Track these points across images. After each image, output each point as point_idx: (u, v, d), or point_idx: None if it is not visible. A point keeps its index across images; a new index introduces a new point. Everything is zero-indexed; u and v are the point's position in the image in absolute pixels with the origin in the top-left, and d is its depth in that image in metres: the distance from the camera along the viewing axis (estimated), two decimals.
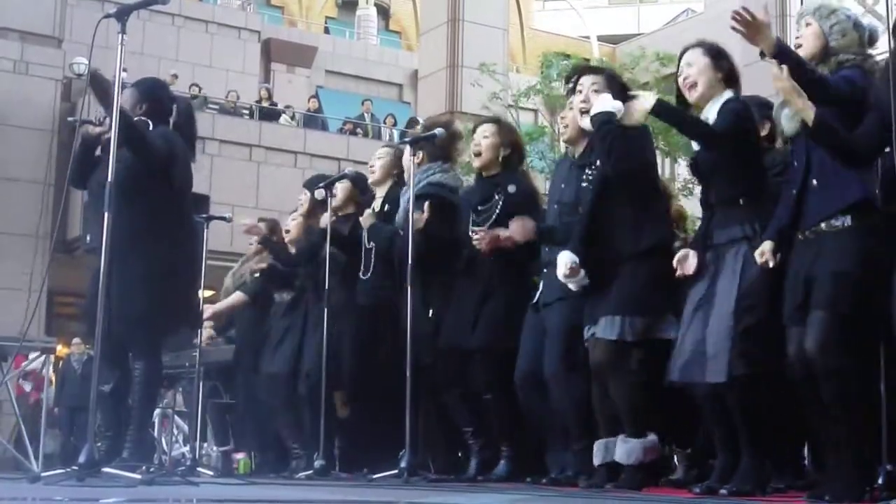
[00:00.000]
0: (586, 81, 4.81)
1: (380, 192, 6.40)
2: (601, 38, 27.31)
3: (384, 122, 22.00)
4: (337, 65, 26.72)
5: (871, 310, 3.71)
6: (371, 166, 6.45)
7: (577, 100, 4.85)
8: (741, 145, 4.24)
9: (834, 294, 3.69)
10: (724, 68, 4.39)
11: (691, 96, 4.40)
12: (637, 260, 4.60)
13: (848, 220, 3.75)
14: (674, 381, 4.27)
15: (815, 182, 3.83)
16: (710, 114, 4.34)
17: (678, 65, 4.48)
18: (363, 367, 6.23)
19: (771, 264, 3.95)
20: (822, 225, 3.80)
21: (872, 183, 3.82)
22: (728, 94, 4.36)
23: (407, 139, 6.18)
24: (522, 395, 5.19)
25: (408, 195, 5.85)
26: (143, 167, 5.35)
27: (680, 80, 4.44)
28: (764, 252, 3.98)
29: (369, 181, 6.51)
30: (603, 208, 4.75)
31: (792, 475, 4.60)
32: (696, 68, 4.38)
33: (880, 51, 3.97)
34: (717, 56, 4.41)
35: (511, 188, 5.51)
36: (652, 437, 4.58)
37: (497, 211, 5.49)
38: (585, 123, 4.77)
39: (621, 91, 4.76)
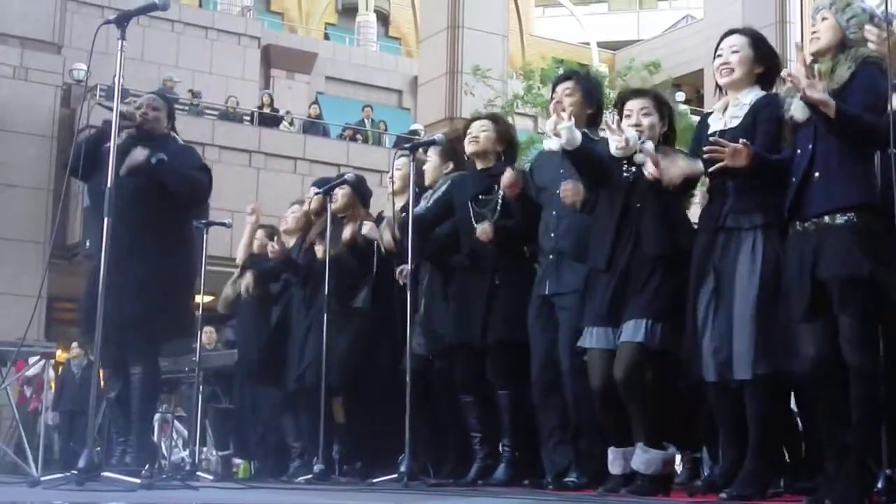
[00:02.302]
0: (635, 106, 4.79)
1: (400, 201, 6.39)
2: (601, 45, 27.34)
3: (378, 127, 22.01)
4: (337, 71, 26.74)
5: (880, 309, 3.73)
6: (391, 176, 6.44)
7: (626, 124, 4.77)
8: (772, 133, 4.21)
9: (858, 295, 3.68)
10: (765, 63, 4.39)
11: (724, 80, 4.40)
12: (664, 264, 4.55)
13: (853, 217, 3.73)
14: (711, 380, 4.21)
15: (816, 174, 3.82)
16: (743, 101, 4.33)
17: (717, 45, 4.46)
18: (362, 369, 6.26)
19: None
20: (826, 218, 3.78)
21: (874, 182, 3.82)
22: (758, 90, 4.34)
23: (406, 146, 6.21)
24: (537, 394, 5.17)
25: (421, 203, 5.97)
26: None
27: (717, 61, 4.42)
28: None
29: (389, 190, 6.50)
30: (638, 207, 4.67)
31: (790, 477, 4.60)
32: (739, 56, 4.37)
33: None
34: (761, 50, 4.40)
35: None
36: (672, 449, 4.54)
37: (500, 200, 5.53)
38: (639, 144, 4.66)
39: (668, 115, 4.81)
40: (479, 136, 5.70)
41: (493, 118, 5.94)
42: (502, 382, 5.43)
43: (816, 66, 3.82)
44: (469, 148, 5.75)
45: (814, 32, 4.01)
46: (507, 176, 5.40)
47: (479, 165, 5.73)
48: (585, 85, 5.30)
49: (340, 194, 6.72)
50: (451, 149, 6.12)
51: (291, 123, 21.08)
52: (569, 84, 5.27)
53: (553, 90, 5.34)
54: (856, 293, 3.69)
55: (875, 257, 3.69)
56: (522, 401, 5.33)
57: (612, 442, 4.68)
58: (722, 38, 4.47)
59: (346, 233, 6.49)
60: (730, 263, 4.20)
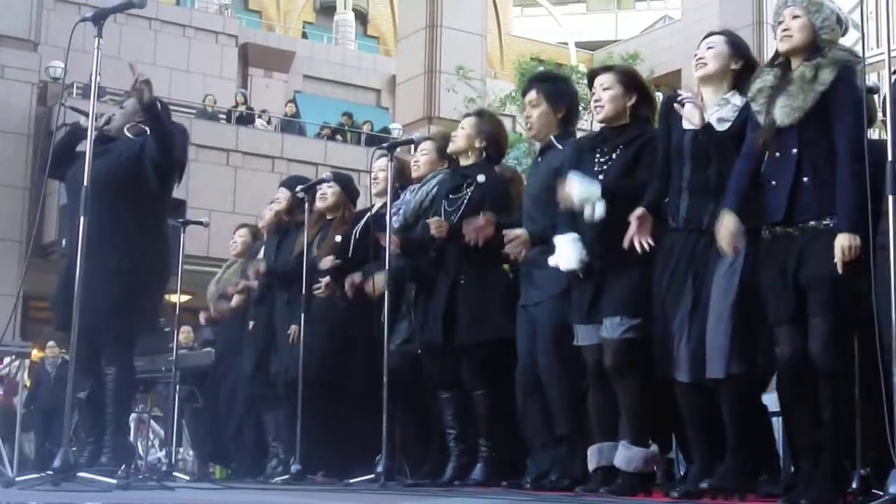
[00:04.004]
0: (597, 82, 4.81)
1: (380, 202, 6.30)
2: (579, 45, 27.39)
3: (361, 128, 21.97)
4: (315, 70, 26.69)
5: (861, 311, 3.76)
6: (374, 178, 6.38)
7: (592, 100, 4.85)
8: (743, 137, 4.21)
9: (834, 298, 3.71)
10: (740, 60, 4.39)
11: (698, 73, 4.41)
12: (634, 262, 4.53)
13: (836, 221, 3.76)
14: (683, 380, 4.21)
15: (805, 179, 3.83)
16: (733, 101, 4.31)
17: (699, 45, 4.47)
18: (337, 368, 6.26)
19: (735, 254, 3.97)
20: (812, 222, 3.80)
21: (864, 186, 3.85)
22: (736, 96, 4.32)
23: (384, 145, 6.18)
24: (520, 396, 5.16)
25: (407, 196, 5.98)
26: (146, 162, 5.40)
27: (694, 59, 4.43)
28: (729, 231, 3.95)
29: (373, 191, 6.43)
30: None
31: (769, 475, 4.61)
32: (714, 51, 4.38)
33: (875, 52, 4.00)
34: (737, 47, 4.41)
35: (480, 178, 5.49)
36: (654, 448, 4.53)
37: (465, 200, 5.47)
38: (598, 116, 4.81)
39: (636, 87, 4.78)
40: (456, 134, 5.66)
41: (479, 114, 5.85)
42: (477, 384, 5.42)
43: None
44: (449, 147, 5.72)
45: (785, 30, 3.99)
46: (433, 223, 5.40)
47: (462, 162, 5.66)
48: (549, 89, 5.25)
49: (330, 192, 6.65)
50: (447, 143, 6.08)
51: (269, 122, 21.04)
52: (532, 95, 5.23)
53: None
54: (833, 295, 3.72)
55: (857, 262, 3.71)
56: (499, 400, 5.33)
57: (593, 439, 4.71)
58: (701, 41, 4.49)
59: (347, 283, 6.30)
60: (708, 265, 4.20)
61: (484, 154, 5.61)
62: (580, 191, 4.53)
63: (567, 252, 4.60)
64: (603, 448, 4.63)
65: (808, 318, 3.75)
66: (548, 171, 5.01)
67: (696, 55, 4.43)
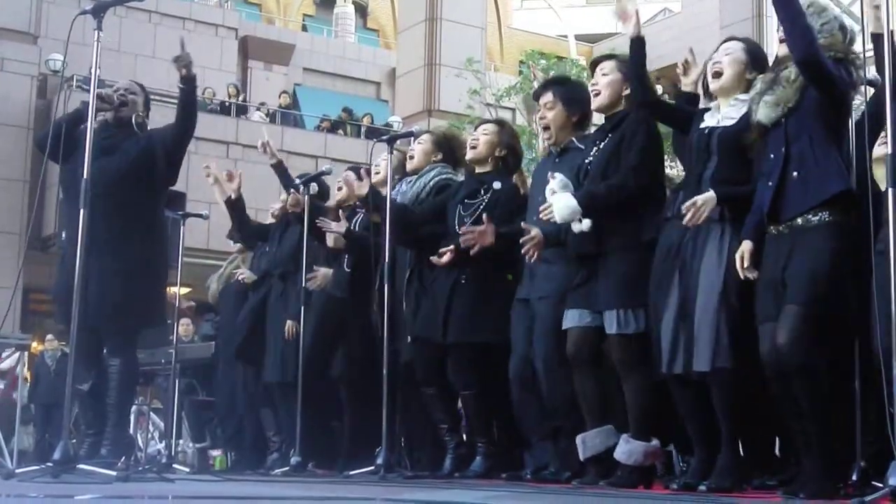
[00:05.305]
0: (598, 68, 4.91)
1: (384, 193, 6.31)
2: (579, 38, 27.36)
3: (362, 121, 21.96)
4: (314, 62, 26.64)
5: (846, 308, 3.76)
6: (376, 166, 6.40)
7: (590, 86, 4.93)
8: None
9: (808, 291, 3.71)
10: (755, 71, 4.35)
11: (714, 84, 4.37)
12: (635, 250, 4.55)
13: (826, 216, 3.77)
14: (667, 372, 4.21)
15: (795, 174, 3.84)
16: (743, 100, 4.28)
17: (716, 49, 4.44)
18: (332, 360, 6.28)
19: (752, 276, 3.96)
20: (799, 220, 3.81)
21: (846, 172, 3.87)
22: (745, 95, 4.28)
23: (384, 137, 6.19)
24: (516, 390, 5.15)
25: (403, 187, 6.01)
26: (157, 151, 5.46)
27: (709, 65, 4.41)
28: (744, 255, 3.96)
29: (372, 181, 6.46)
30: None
31: (767, 469, 4.61)
32: (731, 57, 4.35)
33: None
34: (755, 57, 4.38)
35: (496, 184, 5.50)
36: (655, 442, 4.53)
37: (482, 206, 5.47)
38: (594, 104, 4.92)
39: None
40: (478, 139, 5.63)
41: (500, 123, 5.85)
42: (463, 383, 5.43)
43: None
44: (468, 154, 5.69)
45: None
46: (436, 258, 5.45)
47: (477, 170, 5.65)
48: (564, 92, 5.26)
49: (346, 182, 6.68)
50: (445, 140, 6.07)
51: (268, 115, 21.01)
52: (548, 98, 5.23)
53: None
54: (808, 287, 3.72)
55: (841, 254, 3.73)
56: (489, 399, 5.34)
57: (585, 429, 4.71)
58: (719, 46, 4.47)
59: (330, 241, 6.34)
60: (697, 256, 4.19)
61: (501, 163, 5.63)
62: (562, 212, 4.61)
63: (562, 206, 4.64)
64: (586, 438, 4.65)
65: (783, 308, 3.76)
66: (570, 171, 4.92)
67: (712, 60, 4.39)
